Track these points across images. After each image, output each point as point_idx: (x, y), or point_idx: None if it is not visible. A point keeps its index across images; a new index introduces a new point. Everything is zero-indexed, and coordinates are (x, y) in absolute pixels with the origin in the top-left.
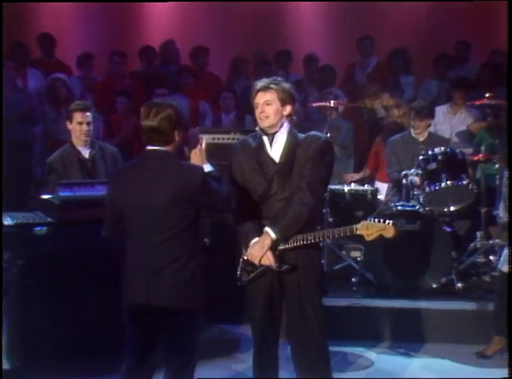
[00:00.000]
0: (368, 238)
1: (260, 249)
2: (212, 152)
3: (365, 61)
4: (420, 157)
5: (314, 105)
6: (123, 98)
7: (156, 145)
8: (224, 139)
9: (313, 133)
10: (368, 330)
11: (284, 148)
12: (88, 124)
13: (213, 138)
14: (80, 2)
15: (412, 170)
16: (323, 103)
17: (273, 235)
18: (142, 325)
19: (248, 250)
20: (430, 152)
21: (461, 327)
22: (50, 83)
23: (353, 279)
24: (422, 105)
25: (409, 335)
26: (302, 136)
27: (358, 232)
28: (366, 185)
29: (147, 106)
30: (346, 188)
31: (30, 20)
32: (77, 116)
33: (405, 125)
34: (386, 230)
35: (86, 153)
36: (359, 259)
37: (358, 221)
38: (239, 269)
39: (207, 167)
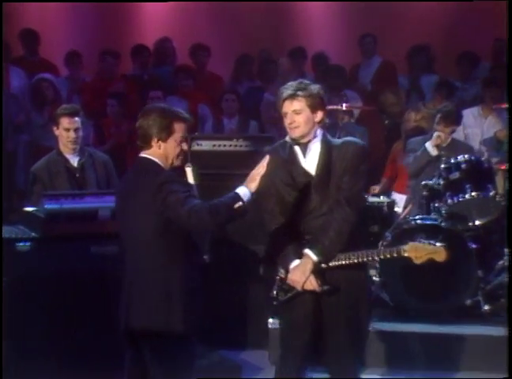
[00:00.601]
0: (417, 262)
1: (302, 275)
2: (213, 160)
3: (368, 61)
4: (442, 165)
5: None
6: (115, 101)
7: (143, 151)
8: (225, 146)
9: (348, 139)
10: (384, 357)
11: (320, 158)
12: (76, 130)
13: (214, 145)
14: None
15: (433, 180)
16: (335, 107)
17: (315, 258)
18: (130, 350)
19: (289, 276)
20: (452, 160)
21: (487, 354)
22: (36, 83)
23: None
24: (450, 109)
25: (430, 362)
26: (336, 142)
27: (406, 254)
28: (382, 197)
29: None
30: None
31: (12, 17)
32: (64, 121)
33: (425, 129)
34: (437, 253)
35: (75, 161)
36: (374, 278)
37: (373, 237)
38: (276, 288)
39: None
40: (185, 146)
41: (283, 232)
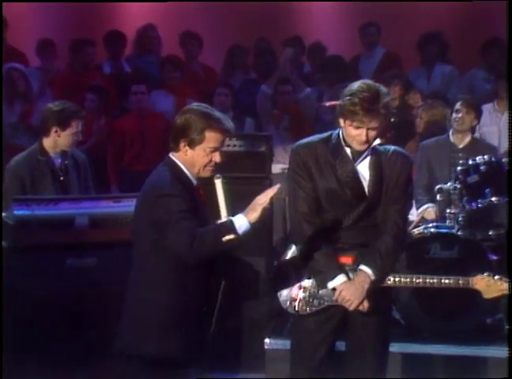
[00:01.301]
0: (486, 296)
1: (360, 295)
2: None
3: (369, 52)
4: (459, 167)
5: (327, 104)
6: (94, 95)
7: (172, 151)
8: None
9: (397, 150)
10: None
11: (371, 169)
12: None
13: None
14: None
15: (449, 184)
16: (334, 102)
17: (373, 277)
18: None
19: (341, 293)
20: (470, 162)
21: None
22: (7, 74)
23: None
24: (473, 98)
25: None
26: (382, 150)
27: (474, 287)
28: None
29: None
30: None
31: None
32: (75, 125)
33: (440, 128)
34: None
35: (58, 162)
36: None
37: None
38: (299, 299)
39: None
40: (217, 158)
41: (317, 240)
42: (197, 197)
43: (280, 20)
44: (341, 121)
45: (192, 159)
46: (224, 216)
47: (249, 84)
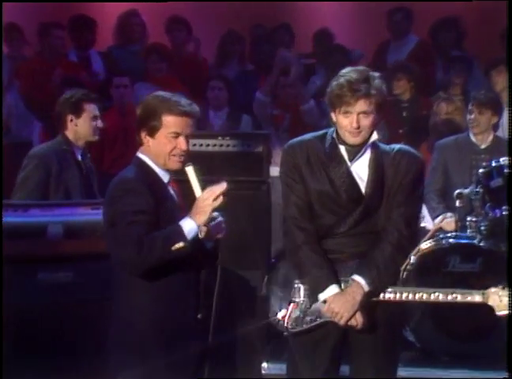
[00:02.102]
0: (499, 312)
1: (351, 308)
2: (194, 164)
3: (399, 41)
4: (481, 170)
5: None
6: (71, 88)
7: (140, 148)
8: (209, 146)
9: (403, 148)
10: None
11: (371, 168)
12: (97, 119)
13: (194, 144)
14: None
15: (469, 189)
16: None
17: (367, 288)
18: None
19: (329, 305)
20: (494, 163)
21: None
22: None
23: None
24: (486, 94)
25: None
26: (386, 149)
27: (486, 301)
28: None
29: None
30: None
31: None
32: (90, 108)
33: (460, 125)
34: None
35: (79, 157)
36: None
37: None
38: (288, 315)
39: None
40: (182, 144)
41: (309, 247)
42: (168, 194)
43: (279, 4)
44: (332, 114)
45: (155, 149)
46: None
47: (245, 77)
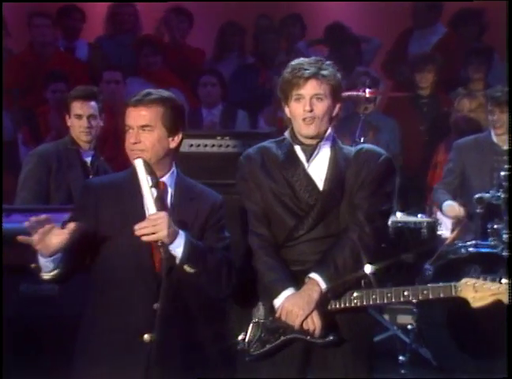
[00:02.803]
0: (475, 304)
1: (305, 305)
2: (188, 167)
3: (423, 30)
4: (503, 173)
5: (342, 94)
6: (62, 84)
7: None
8: (207, 146)
9: (366, 147)
10: None
11: (330, 167)
12: (89, 118)
13: (191, 145)
14: None
15: (490, 193)
16: (354, 93)
17: (323, 285)
18: None
19: (283, 307)
20: None
21: None
22: None
23: (401, 357)
24: (503, 90)
25: None
26: (349, 150)
27: (459, 294)
28: (420, 215)
29: None
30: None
31: None
32: (76, 106)
33: (483, 123)
34: (505, 294)
35: (89, 159)
36: (409, 327)
37: (407, 270)
38: (249, 337)
39: None
40: (129, 137)
41: (264, 252)
42: (134, 205)
43: None
44: (286, 109)
45: None
46: (152, 212)
47: (245, 71)
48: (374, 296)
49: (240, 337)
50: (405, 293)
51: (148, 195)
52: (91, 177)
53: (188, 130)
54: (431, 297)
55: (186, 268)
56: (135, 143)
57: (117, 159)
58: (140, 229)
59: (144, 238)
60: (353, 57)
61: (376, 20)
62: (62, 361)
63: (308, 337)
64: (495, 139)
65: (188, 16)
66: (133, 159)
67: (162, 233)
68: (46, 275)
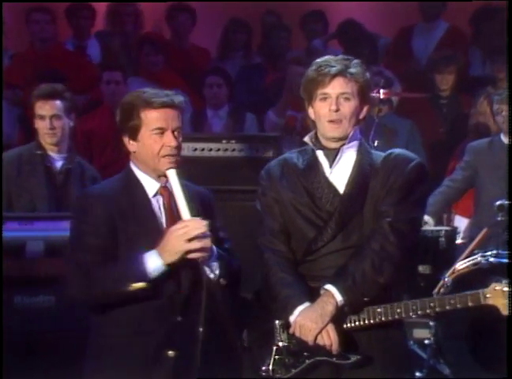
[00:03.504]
0: (506, 312)
1: (319, 319)
2: (193, 171)
3: (426, 25)
4: None
5: (381, 95)
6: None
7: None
8: (212, 150)
9: (397, 151)
10: None
11: (353, 172)
12: (52, 118)
13: (195, 149)
14: None
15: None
16: (393, 92)
17: (339, 298)
18: None
19: (297, 319)
20: None
21: None
22: None
23: (418, 374)
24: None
25: None
26: (378, 155)
27: (489, 302)
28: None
29: None
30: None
31: None
32: (38, 106)
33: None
34: None
35: (57, 164)
36: (427, 342)
37: (424, 281)
38: (271, 362)
39: None
40: (170, 140)
41: (280, 268)
42: (148, 210)
43: None
44: (310, 110)
45: (141, 153)
46: (186, 219)
47: (251, 71)
48: (399, 310)
49: (264, 365)
50: (431, 304)
51: (184, 206)
52: (58, 184)
53: (193, 134)
54: (458, 306)
55: (222, 281)
56: (173, 146)
57: (118, 162)
58: (197, 249)
59: (195, 256)
60: (367, 55)
61: (381, 19)
62: (57, 373)
63: (334, 359)
64: (505, 140)
65: (191, 13)
66: (169, 166)
67: (209, 247)
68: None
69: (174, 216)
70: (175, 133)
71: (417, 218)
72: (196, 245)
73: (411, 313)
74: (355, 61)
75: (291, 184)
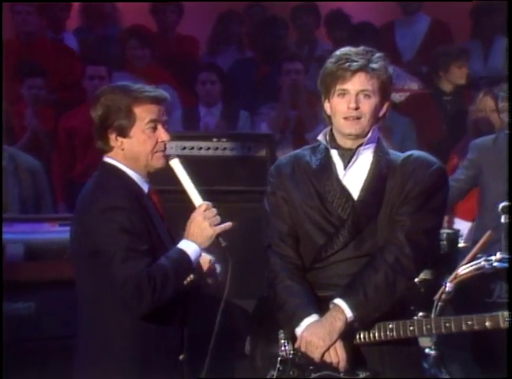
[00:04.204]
0: None
1: (327, 336)
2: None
3: (407, 17)
4: None
5: (398, 95)
6: (39, 79)
7: (105, 154)
8: (202, 149)
9: (417, 154)
10: None
11: (369, 175)
12: None
13: (184, 148)
14: None
15: None
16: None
17: (350, 314)
18: None
19: (303, 334)
20: None
21: None
22: None
23: None
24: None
25: None
26: (397, 155)
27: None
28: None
29: None
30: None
31: None
32: None
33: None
34: None
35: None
36: (428, 351)
37: (424, 286)
38: (275, 373)
39: None
40: (163, 135)
41: (287, 275)
42: (152, 206)
43: None
44: (326, 105)
45: (132, 151)
46: (198, 205)
47: (243, 66)
48: (411, 328)
49: (268, 376)
50: (447, 324)
51: (195, 192)
52: None
53: (183, 132)
54: (476, 328)
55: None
56: (166, 140)
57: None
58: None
59: (222, 239)
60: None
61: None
62: None
63: (341, 375)
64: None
65: (177, 4)
66: (161, 161)
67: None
68: None
69: (162, 214)
70: (165, 127)
71: (435, 227)
72: (226, 226)
73: (424, 332)
74: (378, 54)
75: (301, 184)
